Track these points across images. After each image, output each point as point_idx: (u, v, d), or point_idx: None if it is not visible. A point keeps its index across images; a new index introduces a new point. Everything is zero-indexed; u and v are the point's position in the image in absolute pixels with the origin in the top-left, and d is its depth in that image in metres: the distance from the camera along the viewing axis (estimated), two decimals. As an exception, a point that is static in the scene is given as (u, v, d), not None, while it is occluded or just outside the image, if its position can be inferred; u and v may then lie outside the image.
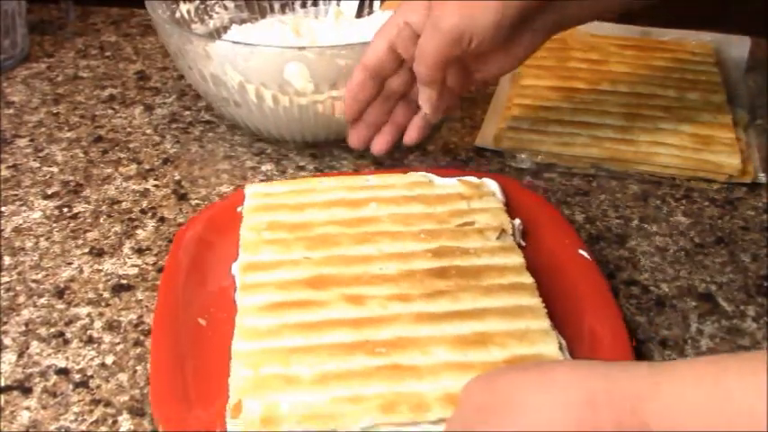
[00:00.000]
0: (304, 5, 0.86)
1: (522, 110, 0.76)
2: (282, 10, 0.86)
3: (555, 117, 0.75)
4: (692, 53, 0.84)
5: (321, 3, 0.86)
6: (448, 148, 0.76)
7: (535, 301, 0.53)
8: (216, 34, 0.82)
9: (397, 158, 0.74)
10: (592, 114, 0.75)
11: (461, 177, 0.64)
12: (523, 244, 0.60)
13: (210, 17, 0.83)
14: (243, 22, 0.84)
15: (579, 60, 0.83)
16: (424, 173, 0.65)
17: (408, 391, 0.48)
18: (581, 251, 0.59)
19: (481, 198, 0.62)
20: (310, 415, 0.46)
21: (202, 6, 0.82)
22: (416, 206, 0.62)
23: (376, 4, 0.85)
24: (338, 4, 0.86)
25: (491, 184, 0.64)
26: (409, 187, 0.64)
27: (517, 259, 0.57)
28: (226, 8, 0.84)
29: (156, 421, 0.49)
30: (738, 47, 0.86)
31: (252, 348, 0.50)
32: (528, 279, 0.55)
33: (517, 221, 0.61)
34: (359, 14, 0.85)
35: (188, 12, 0.81)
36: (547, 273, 0.57)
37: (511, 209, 0.63)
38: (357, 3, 0.85)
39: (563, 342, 0.52)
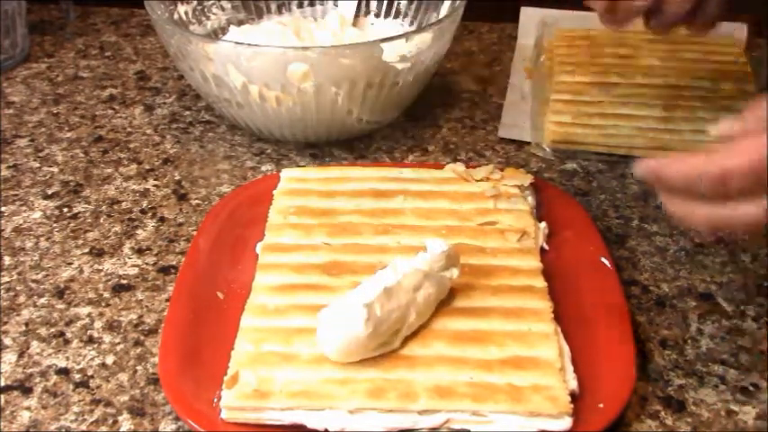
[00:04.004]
0: (301, 6, 0.87)
1: (561, 105, 0.77)
2: (279, 11, 0.86)
3: (596, 111, 0.76)
4: (718, 45, 0.85)
5: (318, 4, 0.87)
6: (448, 149, 0.76)
7: (543, 304, 0.54)
8: (213, 35, 0.82)
9: (397, 158, 0.74)
10: (632, 107, 0.76)
11: (502, 173, 0.66)
12: (546, 248, 0.61)
13: (208, 18, 0.83)
14: (240, 23, 0.84)
15: (610, 56, 0.83)
16: (463, 167, 0.66)
17: (398, 378, 0.49)
18: (603, 259, 0.59)
19: (509, 199, 0.63)
20: (300, 392, 0.48)
21: (200, 8, 0.82)
22: (442, 202, 0.63)
23: (373, 5, 0.85)
24: (336, 5, 0.86)
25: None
26: (439, 183, 0.65)
27: (533, 262, 0.57)
28: (223, 9, 0.84)
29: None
30: (737, 33, 0.88)
31: (258, 325, 0.52)
32: (540, 283, 0.55)
33: (543, 225, 0.62)
34: (356, 16, 0.85)
35: (186, 13, 0.81)
36: (564, 278, 0.58)
37: (541, 211, 0.64)
38: (355, 5, 0.85)
39: (566, 348, 0.52)
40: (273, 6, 0.86)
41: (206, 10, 0.83)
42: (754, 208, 0.43)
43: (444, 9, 0.79)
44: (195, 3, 0.82)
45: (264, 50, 0.68)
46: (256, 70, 0.68)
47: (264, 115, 0.72)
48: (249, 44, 0.69)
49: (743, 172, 0.43)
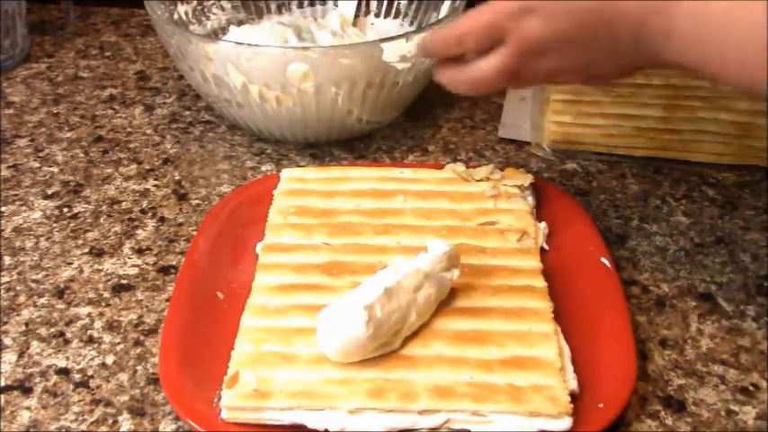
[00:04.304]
0: (301, 6, 0.87)
1: (561, 105, 0.77)
2: (279, 11, 0.86)
3: (596, 111, 0.76)
4: None
5: (318, 3, 0.87)
6: (448, 149, 0.76)
7: (543, 304, 0.54)
8: (213, 35, 0.82)
9: (397, 158, 0.74)
10: (632, 107, 0.77)
11: (501, 173, 0.66)
12: (546, 248, 0.61)
13: (208, 18, 0.83)
14: (240, 23, 0.84)
15: None
16: (463, 167, 0.66)
17: (399, 378, 0.49)
18: (603, 259, 0.59)
19: (509, 199, 0.63)
20: (300, 392, 0.48)
21: (200, 8, 0.82)
22: (442, 202, 0.63)
23: (373, 5, 0.85)
24: (336, 5, 0.86)
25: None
26: (439, 183, 0.65)
27: (533, 262, 0.57)
28: (223, 9, 0.84)
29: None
30: None
31: (258, 325, 0.52)
32: (540, 283, 0.55)
33: (543, 225, 0.62)
34: (356, 16, 0.85)
35: (186, 13, 0.81)
36: (564, 278, 0.58)
37: (541, 211, 0.64)
38: (355, 5, 0.85)
39: (566, 348, 0.52)
40: (273, 6, 0.86)
41: (206, 10, 0.83)
42: (484, 64, 0.54)
43: (444, 9, 0.79)
44: (195, 3, 0.82)
45: (265, 50, 0.68)
46: (256, 70, 0.68)
47: (264, 115, 0.72)
48: (249, 44, 0.69)
49: (474, 31, 0.54)
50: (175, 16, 0.79)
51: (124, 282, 0.61)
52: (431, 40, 0.58)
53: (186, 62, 0.72)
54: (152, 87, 0.86)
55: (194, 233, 0.64)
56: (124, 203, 0.69)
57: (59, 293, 0.60)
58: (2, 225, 0.66)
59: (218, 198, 0.69)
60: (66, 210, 0.68)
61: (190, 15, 0.81)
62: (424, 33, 0.58)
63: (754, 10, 0.45)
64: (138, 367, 0.54)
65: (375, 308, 0.49)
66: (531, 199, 0.64)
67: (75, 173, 0.73)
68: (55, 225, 0.66)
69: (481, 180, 0.65)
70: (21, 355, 0.55)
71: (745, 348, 0.55)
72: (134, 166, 0.74)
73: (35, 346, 0.55)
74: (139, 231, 0.66)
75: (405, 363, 0.50)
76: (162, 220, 0.67)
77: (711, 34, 0.47)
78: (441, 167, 0.67)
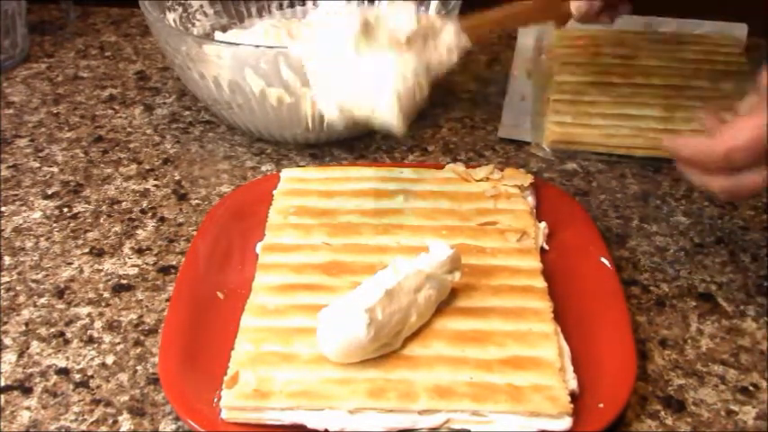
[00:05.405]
0: (281, 8, 0.86)
1: (561, 105, 0.77)
2: (260, 14, 0.85)
3: (596, 111, 0.77)
4: (719, 44, 0.85)
5: (297, 4, 0.86)
6: (448, 148, 0.76)
7: (543, 304, 0.54)
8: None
9: (397, 158, 0.74)
10: (632, 107, 0.77)
11: (500, 175, 0.66)
12: (546, 248, 0.61)
13: (193, 25, 0.82)
14: (223, 28, 0.84)
15: (610, 56, 0.83)
16: (463, 167, 0.66)
17: (399, 378, 0.49)
18: (603, 259, 0.59)
19: (509, 199, 0.63)
20: (300, 392, 0.48)
21: (185, 15, 0.82)
22: (443, 202, 0.63)
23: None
24: (315, 5, 0.85)
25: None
26: (439, 183, 0.65)
27: (533, 263, 0.57)
28: (206, 15, 0.84)
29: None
30: (738, 33, 0.88)
31: (258, 325, 0.52)
32: (540, 283, 0.55)
33: (543, 225, 0.62)
34: None
35: (174, 21, 0.80)
36: (564, 278, 0.58)
37: (541, 211, 0.64)
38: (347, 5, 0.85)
39: (566, 348, 0.52)
40: (254, 10, 0.85)
41: (191, 17, 0.82)
42: (757, 176, 0.51)
43: (432, 8, 0.79)
44: (181, 10, 0.81)
45: (287, 52, 0.68)
46: (276, 72, 0.68)
47: (278, 117, 0.71)
48: (269, 47, 0.68)
49: (744, 148, 0.50)
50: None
51: (124, 282, 0.61)
52: (683, 151, 0.54)
53: (195, 70, 0.71)
54: (152, 87, 0.86)
55: (194, 233, 0.64)
56: (124, 203, 0.69)
57: (59, 293, 0.60)
58: (2, 225, 0.66)
59: (218, 198, 0.69)
60: (66, 210, 0.68)
61: (177, 23, 0.80)
62: (667, 141, 0.56)
63: None
64: (138, 367, 0.54)
65: (376, 310, 0.49)
66: (531, 199, 0.64)
67: (75, 173, 0.73)
68: (55, 225, 0.66)
69: (481, 180, 0.65)
70: (21, 355, 0.55)
71: (745, 348, 0.55)
72: (134, 166, 0.74)
73: (35, 346, 0.56)
74: (139, 231, 0.66)
75: (405, 363, 0.50)
76: (162, 220, 0.67)
77: None
78: (441, 167, 0.67)
